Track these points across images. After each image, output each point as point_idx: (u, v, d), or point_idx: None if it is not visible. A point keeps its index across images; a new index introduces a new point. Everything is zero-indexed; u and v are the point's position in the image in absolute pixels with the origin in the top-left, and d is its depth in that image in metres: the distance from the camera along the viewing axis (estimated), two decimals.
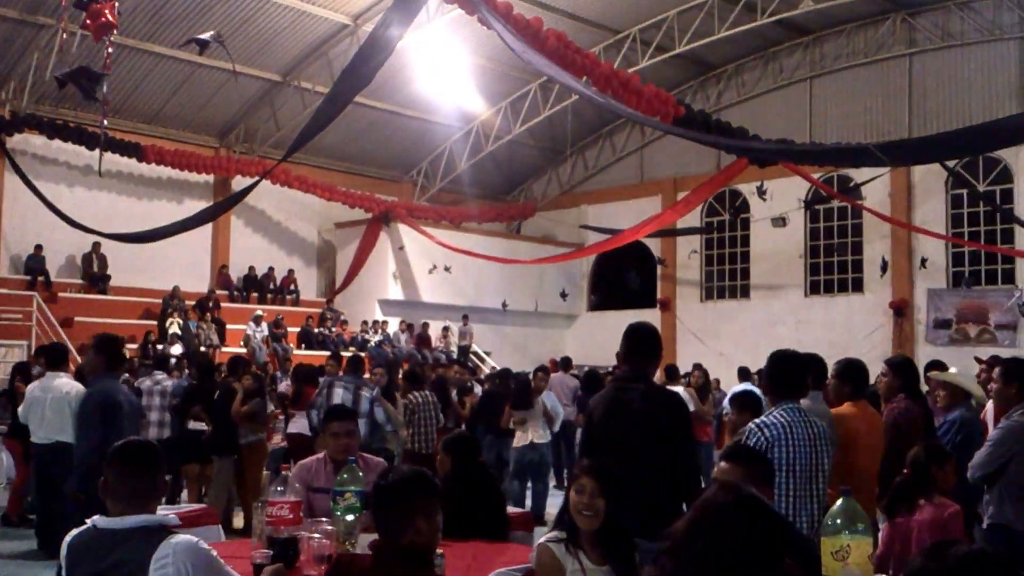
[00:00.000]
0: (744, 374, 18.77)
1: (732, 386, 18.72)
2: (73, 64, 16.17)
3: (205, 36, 14.34)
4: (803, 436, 5.06)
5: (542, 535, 4.50)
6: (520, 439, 13.18)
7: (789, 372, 5.45)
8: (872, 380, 7.95)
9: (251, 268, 26.56)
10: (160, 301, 22.98)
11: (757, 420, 5.22)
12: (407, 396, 13.17)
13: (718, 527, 2.73)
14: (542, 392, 13.46)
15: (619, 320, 12.74)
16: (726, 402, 18.12)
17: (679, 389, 13.91)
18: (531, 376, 13.97)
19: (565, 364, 18.83)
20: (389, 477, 3.97)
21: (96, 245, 22.90)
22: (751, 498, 2.81)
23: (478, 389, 16.26)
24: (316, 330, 24.95)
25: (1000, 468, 6.26)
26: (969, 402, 7.63)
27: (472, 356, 26.44)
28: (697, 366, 16.79)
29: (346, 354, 15.88)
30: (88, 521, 3.78)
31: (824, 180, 24.79)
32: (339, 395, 11.58)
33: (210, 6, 21.35)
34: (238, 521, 12.01)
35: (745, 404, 7.89)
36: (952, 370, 8.18)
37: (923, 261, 24.22)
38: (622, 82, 17.62)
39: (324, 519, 5.19)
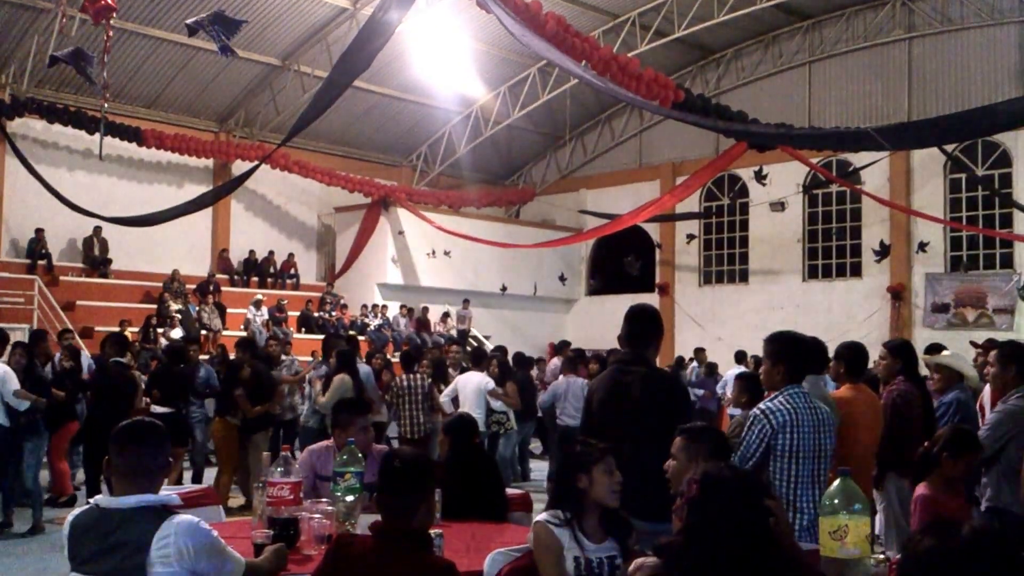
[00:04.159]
0: (740, 358, 18.98)
1: (728, 370, 18.92)
2: (71, 47, 16.15)
3: (193, 20, 14.27)
4: (808, 422, 5.01)
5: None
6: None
7: (799, 354, 5.33)
8: (871, 364, 7.99)
9: (251, 252, 26.58)
10: (161, 285, 23.00)
11: (762, 406, 5.14)
12: (394, 379, 13.21)
13: (726, 498, 2.92)
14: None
15: (618, 304, 12.73)
16: (719, 387, 18.41)
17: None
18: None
19: (563, 349, 18.87)
20: (395, 461, 3.99)
21: (97, 229, 22.89)
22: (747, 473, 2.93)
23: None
24: (316, 314, 24.97)
25: (997, 451, 6.28)
26: (963, 384, 7.67)
27: (471, 340, 26.46)
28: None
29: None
30: (91, 500, 3.81)
31: (823, 164, 24.81)
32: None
33: None
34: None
35: (746, 387, 7.91)
36: (945, 352, 8.20)
37: (921, 245, 24.21)
38: (621, 66, 17.61)
39: (324, 499, 5.24)
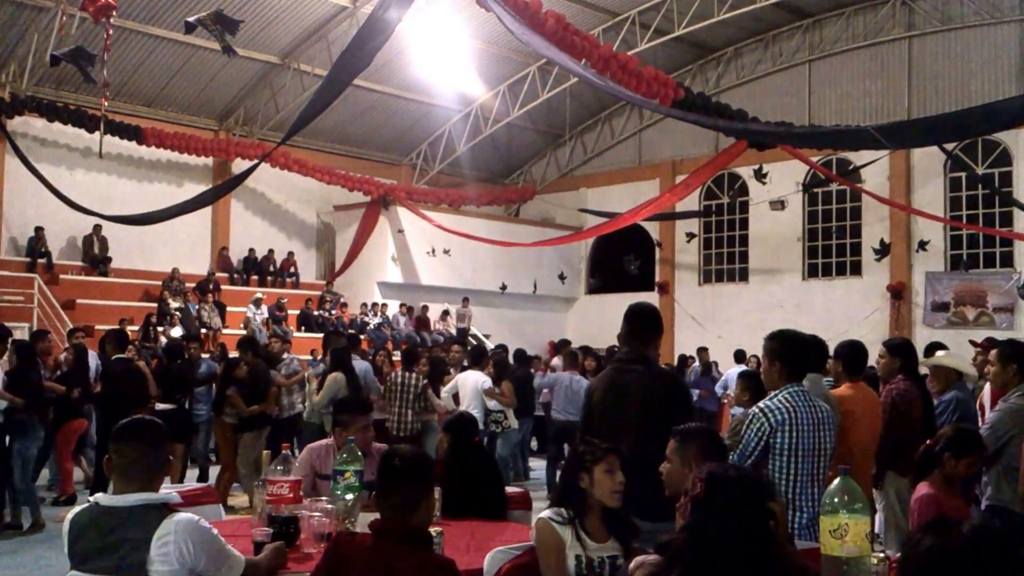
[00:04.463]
0: (739, 357, 18.95)
1: (727, 369, 18.91)
2: (71, 46, 16.17)
3: (192, 19, 14.30)
4: (808, 420, 4.99)
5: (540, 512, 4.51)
6: (512, 419, 13.18)
7: (796, 352, 5.30)
8: (871, 363, 7.98)
9: (251, 250, 26.59)
10: (160, 283, 23.01)
11: (761, 404, 5.12)
12: (391, 373, 13.22)
13: (730, 498, 2.97)
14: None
15: (617, 303, 12.67)
16: (718, 386, 18.40)
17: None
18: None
19: (563, 348, 18.85)
20: (394, 460, 3.99)
21: (97, 227, 22.89)
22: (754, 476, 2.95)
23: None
24: (316, 312, 24.97)
25: (998, 450, 6.28)
26: (962, 382, 7.67)
27: (471, 338, 26.45)
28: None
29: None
30: (91, 498, 3.81)
31: (823, 163, 24.78)
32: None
33: None
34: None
35: (748, 385, 7.89)
36: (939, 353, 8.19)
37: (921, 244, 24.19)
38: (621, 64, 17.60)
39: (324, 498, 5.24)
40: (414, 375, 12.88)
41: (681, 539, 3.02)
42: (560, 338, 23.28)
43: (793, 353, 5.25)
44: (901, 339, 8.30)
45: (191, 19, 14.48)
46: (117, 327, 16.35)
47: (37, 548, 9.67)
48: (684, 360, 21.21)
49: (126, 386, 11.51)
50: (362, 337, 21.93)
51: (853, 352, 7.07)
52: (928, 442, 5.42)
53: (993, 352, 6.86)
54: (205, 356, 16.21)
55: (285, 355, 14.80)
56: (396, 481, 3.90)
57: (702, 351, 21.09)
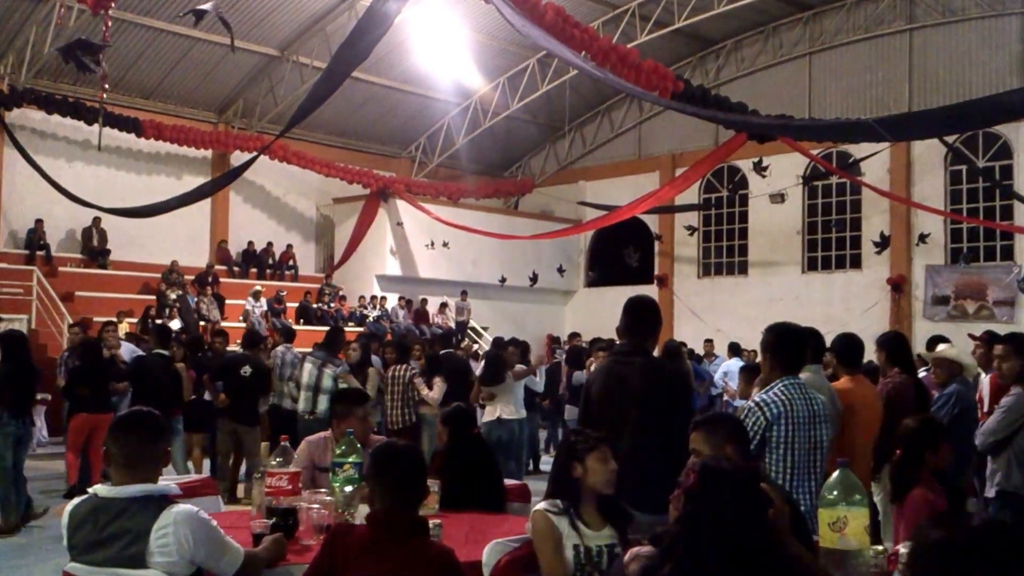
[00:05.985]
0: (735, 350, 18.88)
1: (724, 362, 18.85)
2: (72, 38, 16.13)
3: (205, 6, 14.30)
4: (803, 413, 4.98)
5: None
6: (488, 414, 13.09)
7: (790, 345, 5.31)
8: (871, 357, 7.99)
9: (250, 243, 26.55)
10: (160, 276, 22.99)
11: (756, 398, 5.12)
12: (386, 370, 13.26)
13: (723, 490, 2.96)
14: (513, 367, 13.34)
15: (616, 296, 12.70)
16: (719, 378, 18.33)
17: None
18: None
19: (572, 340, 18.86)
20: (382, 455, 4.00)
21: (96, 220, 22.89)
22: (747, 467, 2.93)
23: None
24: (315, 305, 24.96)
25: (1009, 436, 6.30)
26: (964, 376, 7.68)
27: (470, 332, 26.46)
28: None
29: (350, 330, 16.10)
30: (89, 490, 3.81)
31: (823, 156, 24.70)
32: (307, 370, 12.14)
33: None
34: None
35: (751, 379, 7.89)
36: (941, 346, 8.20)
37: (922, 237, 24.17)
38: (621, 57, 17.57)
39: (323, 490, 5.24)
40: (403, 367, 12.90)
41: (674, 531, 3.02)
42: (557, 332, 23.28)
43: (786, 346, 5.26)
44: (890, 333, 8.31)
45: (205, 6, 14.45)
46: (161, 323, 16.50)
47: (35, 541, 9.65)
48: (691, 354, 21.00)
49: (157, 381, 11.50)
50: (360, 329, 21.94)
51: (847, 345, 7.08)
52: (897, 452, 5.30)
53: (1004, 347, 6.82)
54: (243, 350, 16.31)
55: (281, 347, 14.78)
56: (385, 474, 3.92)
57: (707, 344, 21.02)
